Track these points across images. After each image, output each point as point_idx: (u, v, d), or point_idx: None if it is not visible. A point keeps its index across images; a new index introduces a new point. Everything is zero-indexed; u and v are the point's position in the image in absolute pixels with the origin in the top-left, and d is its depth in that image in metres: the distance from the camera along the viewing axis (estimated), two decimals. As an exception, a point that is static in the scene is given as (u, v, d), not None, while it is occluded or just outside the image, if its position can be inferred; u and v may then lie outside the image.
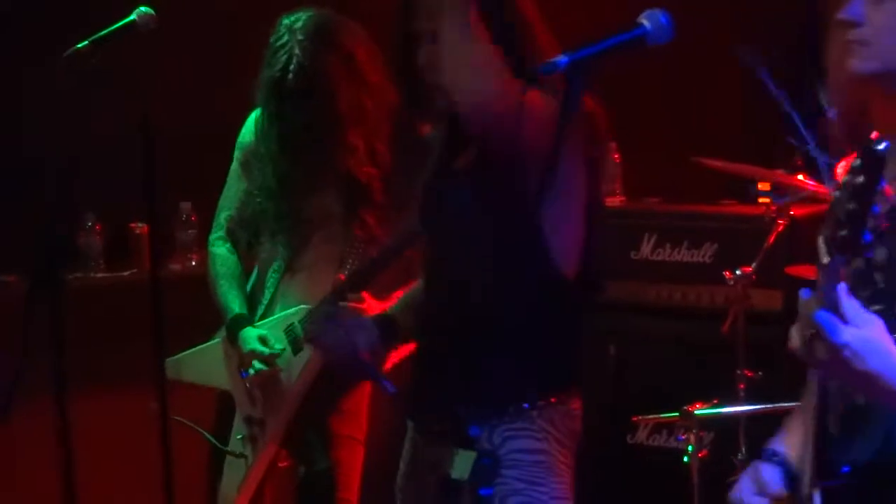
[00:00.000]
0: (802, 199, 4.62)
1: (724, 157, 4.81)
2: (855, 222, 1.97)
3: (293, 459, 4.08)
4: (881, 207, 2.01)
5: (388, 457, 3.42)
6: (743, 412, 4.49)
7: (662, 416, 4.64)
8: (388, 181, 4.00)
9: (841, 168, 2.37)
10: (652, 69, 5.49)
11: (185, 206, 5.30)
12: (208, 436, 4.11)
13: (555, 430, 3.07)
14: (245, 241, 4.20)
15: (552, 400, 3.08)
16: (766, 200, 5.15)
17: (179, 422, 3.78)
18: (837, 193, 1.98)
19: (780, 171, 4.80)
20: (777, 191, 4.98)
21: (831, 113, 2.34)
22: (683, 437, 4.45)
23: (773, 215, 4.60)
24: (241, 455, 4.06)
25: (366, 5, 4.32)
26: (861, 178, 1.97)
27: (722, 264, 4.78)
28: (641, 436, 5.23)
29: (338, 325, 3.36)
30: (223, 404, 4.17)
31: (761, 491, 2.43)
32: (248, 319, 4.06)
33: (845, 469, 2.25)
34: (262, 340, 4.00)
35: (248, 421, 4.08)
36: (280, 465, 4.06)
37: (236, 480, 4.07)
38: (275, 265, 4.12)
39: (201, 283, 4.21)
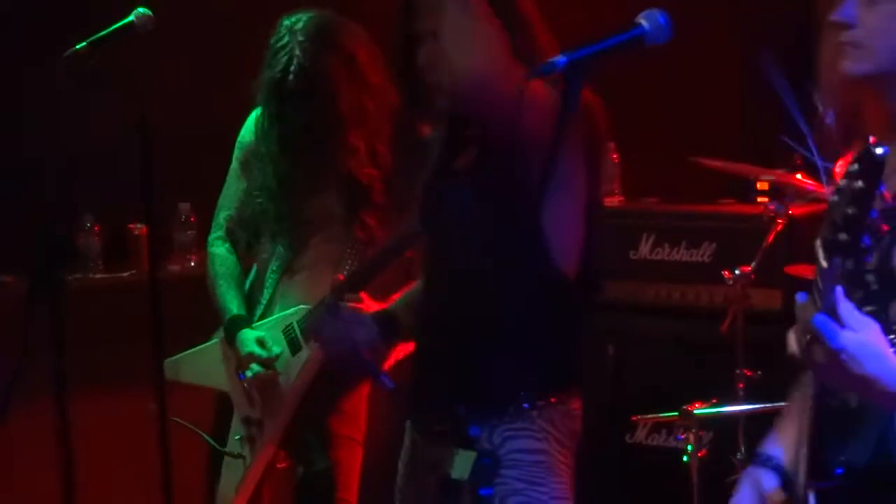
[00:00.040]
0: (801, 200, 4.62)
1: (723, 156, 4.81)
2: (854, 226, 1.97)
3: (292, 460, 4.08)
4: (879, 210, 2.01)
5: (387, 457, 3.42)
6: (742, 412, 4.49)
7: (661, 415, 4.64)
8: (389, 182, 4.00)
9: (838, 168, 2.37)
10: (650, 69, 5.49)
11: (184, 206, 5.30)
12: (206, 436, 4.11)
13: (555, 430, 3.07)
14: (244, 241, 4.20)
15: (552, 400, 3.08)
16: (765, 200, 5.16)
17: (178, 423, 3.78)
18: (835, 198, 1.98)
19: (778, 171, 4.80)
20: (776, 191, 4.98)
21: (829, 118, 2.34)
22: (682, 437, 4.45)
23: (772, 215, 4.60)
24: (240, 456, 4.06)
25: (366, 6, 4.32)
26: (860, 183, 1.97)
27: (721, 264, 4.78)
28: (640, 435, 5.22)
29: (337, 320, 3.37)
30: (222, 405, 4.17)
31: (762, 499, 2.44)
32: (246, 320, 4.06)
33: (839, 471, 2.25)
34: (260, 343, 3.99)
35: (247, 422, 4.08)
36: (279, 465, 4.06)
37: (234, 481, 4.07)
38: (274, 265, 4.12)
39: (200, 284, 4.21)
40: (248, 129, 4.14)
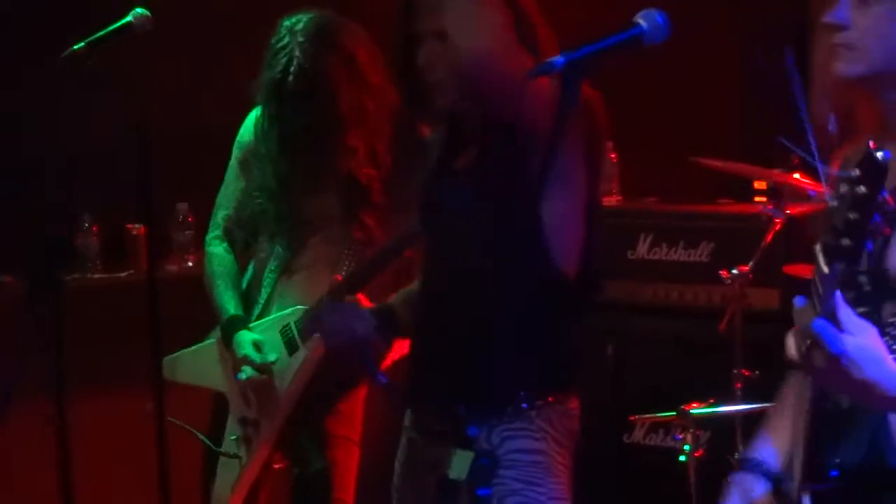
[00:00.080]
0: (799, 200, 4.62)
1: (721, 156, 4.81)
2: (857, 232, 1.97)
3: (288, 460, 4.08)
4: (881, 215, 2.00)
5: (384, 457, 3.42)
6: (740, 411, 4.49)
7: (659, 415, 4.65)
8: (389, 183, 4.00)
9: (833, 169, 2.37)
10: (649, 68, 5.49)
11: (182, 206, 5.30)
12: (202, 436, 4.11)
13: (553, 430, 3.07)
14: (242, 241, 4.19)
15: (550, 400, 3.08)
16: (763, 200, 5.16)
17: (173, 423, 3.77)
18: (835, 203, 1.98)
19: (776, 171, 4.80)
20: (774, 191, 4.98)
21: (831, 124, 2.34)
22: (680, 437, 4.45)
23: (770, 214, 4.60)
24: (235, 456, 4.06)
25: (366, 6, 4.32)
26: (862, 189, 1.96)
27: (719, 263, 4.79)
28: (638, 435, 5.23)
29: (336, 312, 3.37)
30: (218, 405, 4.17)
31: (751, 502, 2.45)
32: (243, 321, 4.06)
33: (834, 473, 2.25)
34: (257, 346, 3.99)
35: (243, 422, 4.08)
36: (275, 466, 4.06)
37: (230, 481, 4.06)
38: (272, 265, 4.11)
39: (198, 284, 4.21)
40: (247, 129, 4.14)
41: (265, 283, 4.11)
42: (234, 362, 4.02)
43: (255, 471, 4.03)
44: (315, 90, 3.93)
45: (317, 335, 3.88)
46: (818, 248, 2.00)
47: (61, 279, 3.66)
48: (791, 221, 4.59)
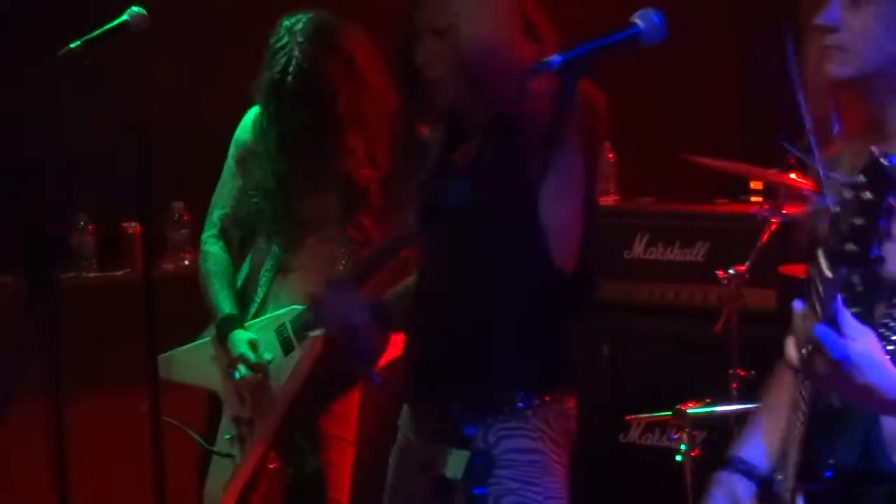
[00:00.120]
0: (795, 200, 4.62)
1: (718, 156, 4.81)
2: (863, 237, 1.97)
3: (283, 460, 4.08)
4: (884, 219, 2.00)
5: (378, 457, 3.42)
6: (736, 411, 4.49)
7: (655, 415, 4.64)
8: (387, 184, 4.00)
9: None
10: (646, 68, 5.49)
11: (178, 205, 5.29)
12: (195, 435, 4.10)
13: (549, 429, 3.07)
14: (237, 240, 4.19)
15: (547, 399, 3.08)
16: (759, 199, 5.16)
17: (168, 422, 3.77)
18: (838, 208, 1.97)
19: (772, 171, 4.80)
20: (770, 190, 4.98)
21: (835, 127, 2.34)
22: (676, 437, 4.45)
23: (766, 214, 4.60)
24: (228, 455, 4.06)
25: (366, 7, 4.32)
26: (869, 195, 1.96)
27: (715, 263, 4.79)
28: (634, 435, 5.23)
29: (335, 297, 3.38)
30: (212, 404, 4.17)
31: (735, 501, 2.45)
32: (238, 320, 4.05)
33: (828, 473, 2.25)
34: (252, 346, 3.99)
35: (237, 421, 4.07)
36: (269, 465, 4.06)
37: (223, 480, 4.06)
38: (268, 264, 4.11)
39: (194, 283, 4.20)
40: (244, 128, 4.14)
41: (261, 283, 4.11)
42: (230, 361, 4.02)
43: (248, 470, 4.02)
44: (314, 90, 3.93)
45: (312, 335, 3.89)
46: (821, 252, 1.99)
47: (57, 278, 3.65)
48: (787, 222, 4.59)
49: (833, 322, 2.02)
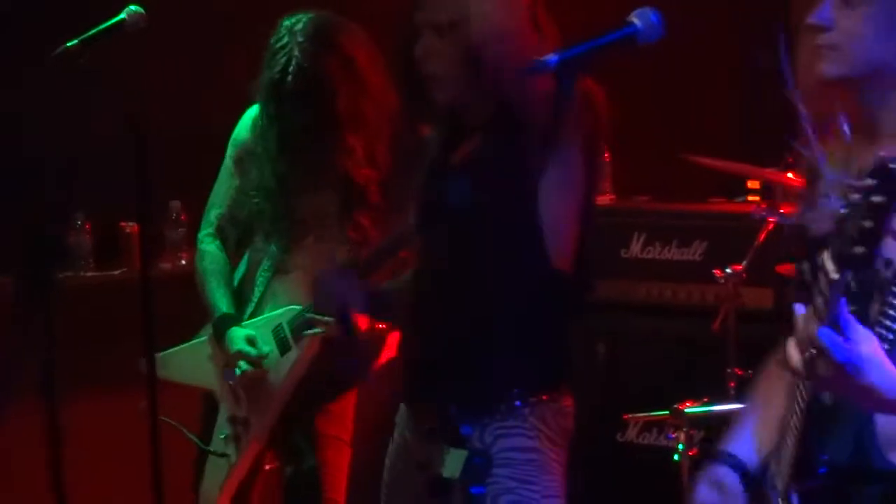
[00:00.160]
0: (793, 199, 4.62)
1: (715, 155, 4.81)
2: (871, 240, 1.97)
3: (280, 460, 4.08)
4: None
5: (375, 457, 3.42)
6: (733, 410, 4.49)
7: (653, 414, 4.65)
8: (386, 184, 4.00)
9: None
10: (642, 67, 5.49)
11: (175, 204, 5.29)
12: (190, 434, 4.10)
13: (547, 428, 3.07)
14: (234, 239, 4.19)
15: (544, 398, 3.08)
16: (756, 199, 5.16)
17: (164, 421, 3.76)
18: (845, 210, 1.97)
19: (769, 170, 4.80)
20: (767, 189, 4.98)
21: (846, 128, 2.34)
22: (673, 436, 4.46)
23: (763, 213, 4.60)
24: (224, 455, 4.05)
25: (366, 7, 4.32)
26: (878, 198, 1.96)
27: (712, 262, 4.79)
28: (632, 434, 5.23)
29: (332, 280, 3.40)
30: (208, 403, 4.16)
31: (722, 493, 2.45)
32: (235, 319, 4.05)
33: (822, 470, 2.26)
34: (250, 341, 3.99)
35: (232, 420, 4.07)
36: (266, 467, 4.05)
37: (218, 480, 4.06)
38: (265, 264, 4.11)
39: (191, 282, 4.20)
40: (243, 127, 4.13)
41: (258, 283, 4.10)
42: (227, 359, 4.02)
43: (244, 469, 4.02)
44: (314, 90, 3.93)
45: (309, 334, 3.89)
46: (826, 254, 1.99)
47: (54, 278, 3.65)
48: (784, 221, 4.59)
49: (836, 324, 2.02)
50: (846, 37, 2.31)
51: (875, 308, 2.22)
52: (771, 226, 4.56)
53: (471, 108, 3.12)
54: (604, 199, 5.45)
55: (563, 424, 3.11)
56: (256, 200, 4.07)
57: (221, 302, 4.08)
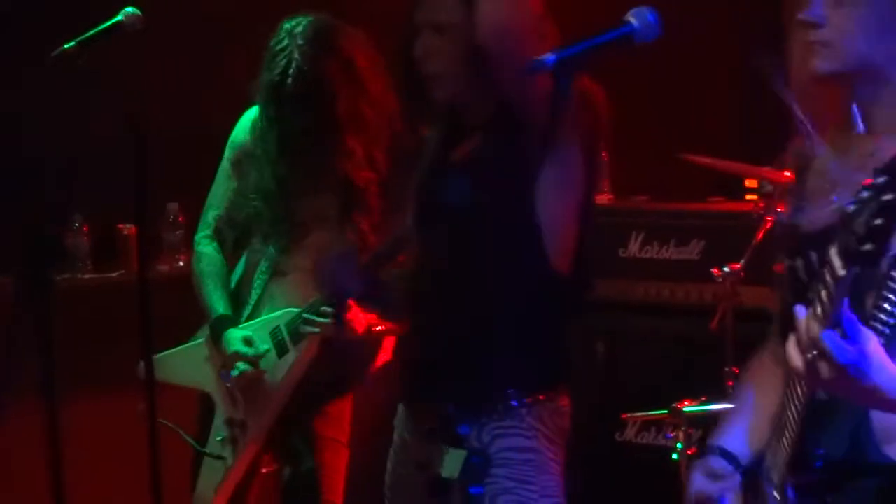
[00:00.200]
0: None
1: (713, 154, 4.81)
2: (881, 237, 1.96)
3: (278, 462, 4.08)
4: None
5: (372, 459, 3.42)
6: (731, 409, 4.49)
7: (651, 413, 4.65)
8: (386, 186, 4.01)
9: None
10: (640, 66, 5.49)
11: (173, 206, 5.29)
12: (186, 436, 4.10)
13: (544, 427, 3.07)
14: (232, 241, 4.19)
15: (541, 397, 3.08)
16: (754, 198, 5.16)
17: (161, 423, 3.76)
18: (853, 208, 1.97)
19: (767, 169, 4.80)
20: (766, 188, 4.98)
21: (860, 126, 2.35)
22: (672, 435, 4.46)
23: (762, 212, 4.60)
24: (219, 457, 4.05)
25: (366, 9, 4.32)
26: (890, 196, 1.95)
27: (710, 261, 4.79)
28: (630, 433, 5.23)
29: (334, 263, 3.40)
30: (204, 405, 4.16)
31: (715, 480, 2.47)
32: (232, 320, 4.05)
33: (818, 464, 2.26)
34: (247, 342, 3.98)
35: (229, 423, 4.07)
36: (263, 470, 4.05)
37: (214, 482, 4.05)
38: (263, 266, 4.10)
39: (189, 284, 4.20)
40: (241, 129, 4.13)
41: (255, 285, 4.10)
42: (224, 360, 4.02)
43: (240, 472, 4.02)
44: (314, 93, 3.93)
45: (307, 335, 3.89)
46: (833, 251, 1.99)
47: (52, 279, 3.64)
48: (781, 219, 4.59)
49: (839, 324, 2.02)
50: (838, 33, 2.32)
51: (870, 302, 2.22)
52: (769, 224, 4.56)
53: (470, 107, 3.13)
54: (602, 199, 5.45)
55: (561, 424, 3.11)
56: (255, 203, 4.07)
57: (218, 304, 4.08)
